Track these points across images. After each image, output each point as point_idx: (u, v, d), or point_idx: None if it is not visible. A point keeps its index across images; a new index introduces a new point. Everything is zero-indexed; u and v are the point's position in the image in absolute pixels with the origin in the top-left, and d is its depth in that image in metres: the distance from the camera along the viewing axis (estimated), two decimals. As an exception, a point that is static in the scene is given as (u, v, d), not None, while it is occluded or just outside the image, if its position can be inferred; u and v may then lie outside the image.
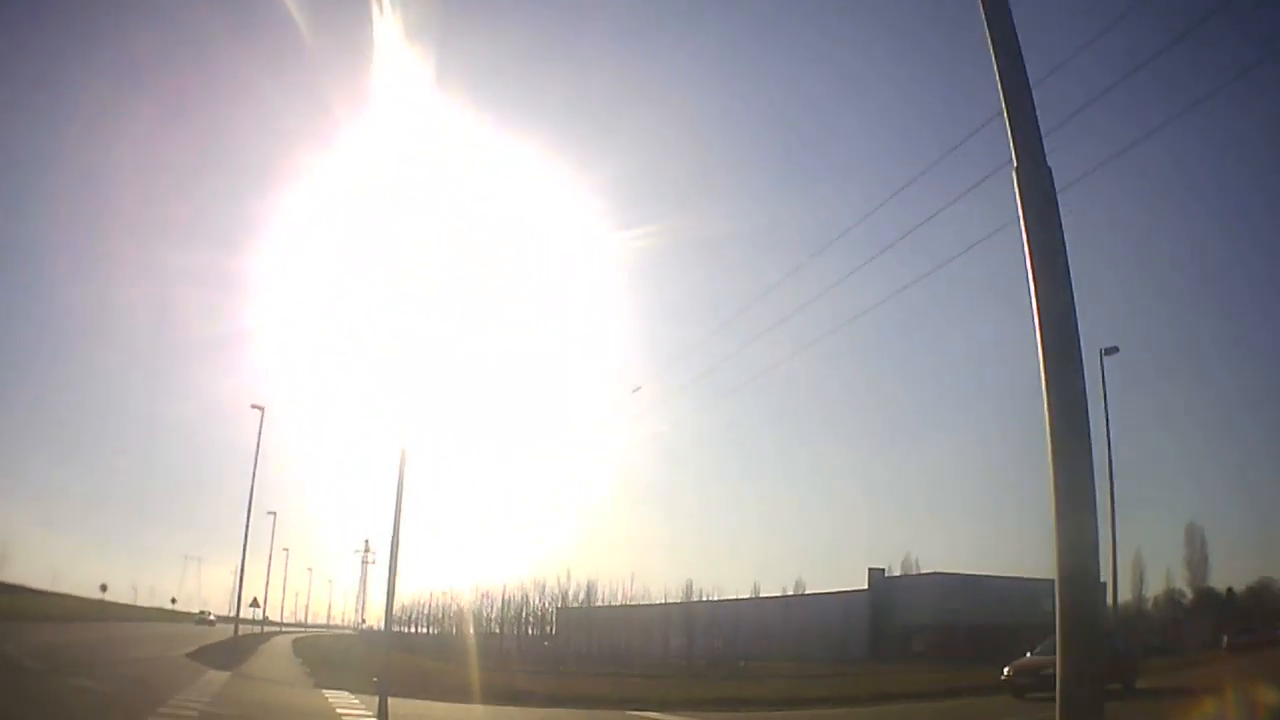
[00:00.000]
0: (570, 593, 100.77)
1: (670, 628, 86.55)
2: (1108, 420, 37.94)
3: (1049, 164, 8.60)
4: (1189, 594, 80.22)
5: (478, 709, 21.90)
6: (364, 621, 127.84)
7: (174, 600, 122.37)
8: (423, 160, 33.54)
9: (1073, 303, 8.32)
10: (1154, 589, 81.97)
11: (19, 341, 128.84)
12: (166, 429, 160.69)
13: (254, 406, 47.66)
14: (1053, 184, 8.64)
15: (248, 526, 46.89)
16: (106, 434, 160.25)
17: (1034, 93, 8.77)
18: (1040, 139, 8.69)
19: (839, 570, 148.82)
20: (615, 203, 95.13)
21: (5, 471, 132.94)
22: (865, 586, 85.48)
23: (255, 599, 74.04)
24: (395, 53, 29.76)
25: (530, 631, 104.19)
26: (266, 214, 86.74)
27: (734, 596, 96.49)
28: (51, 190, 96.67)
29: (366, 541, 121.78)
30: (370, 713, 19.12)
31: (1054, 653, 22.90)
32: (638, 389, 29.55)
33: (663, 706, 24.13)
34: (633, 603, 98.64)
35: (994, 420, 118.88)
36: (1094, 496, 7.97)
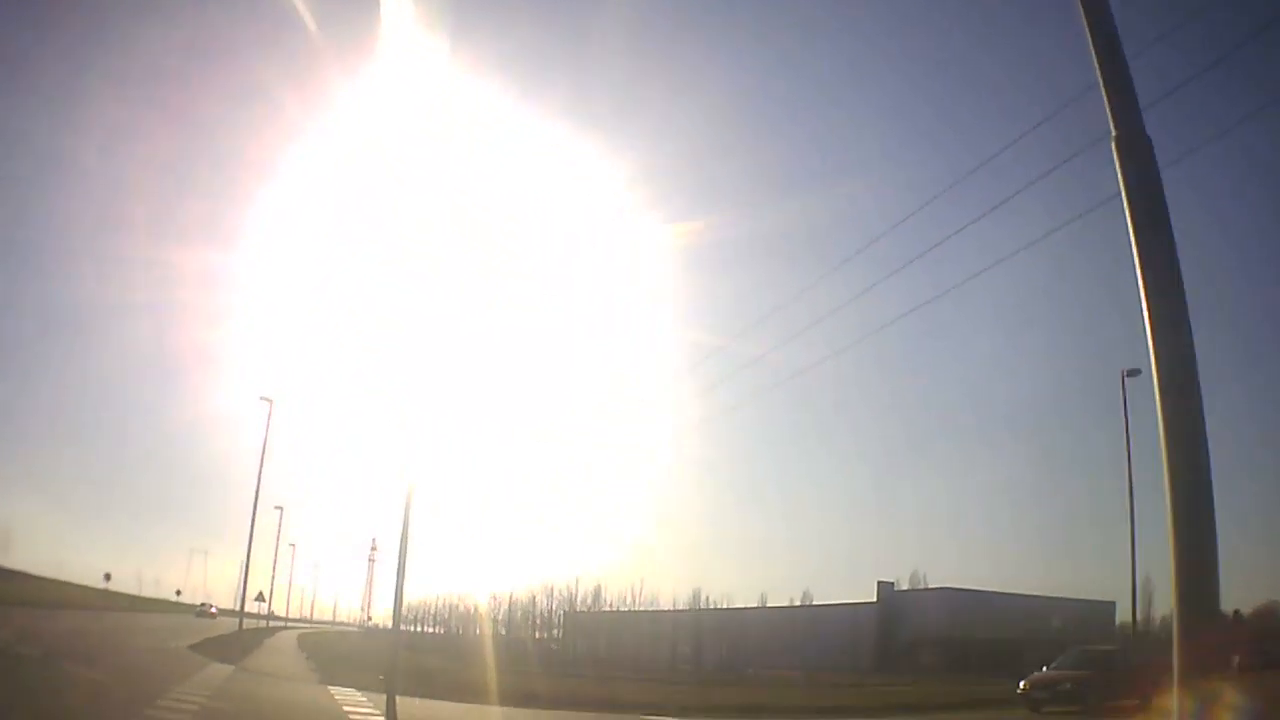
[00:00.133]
0: (578, 596, 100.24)
1: (678, 634, 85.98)
2: (1128, 441, 37.24)
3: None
4: None
5: (489, 710, 21.08)
6: (370, 619, 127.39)
7: (179, 592, 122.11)
8: (449, 146, 32.88)
9: (1179, 276, 7.48)
10: (1161, 610, 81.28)
11: (29, 330, 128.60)
12: (176, 421, 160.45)
13: (263, 399, 47.09)
14: (1153, 153, 7.89)
15: (254, 519, 46.31)
16: (116, 424, 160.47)
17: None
18: (1137, 105, 8.05)
19: (846, 583, 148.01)
20: (659, 195, 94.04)
21: (12, 458, 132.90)
22: (874, 599, 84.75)
23: (261, 593, 73.56)
24: (411, 32, 28.95)
25: (536, 634, 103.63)
26: (278, 202, 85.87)
27: (741, 605, 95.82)
28: (56, 178, 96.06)
29: (374, 540, 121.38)
30: (378, 712, 18.33)
31: (1071, 667, 21.98)
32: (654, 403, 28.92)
33: (680, 712, 23.34)
34: (640, 608, 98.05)
35: (1005, 438, 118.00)
36: (1213, 506, 7.14)
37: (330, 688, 23.49)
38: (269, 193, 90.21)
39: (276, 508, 71.42)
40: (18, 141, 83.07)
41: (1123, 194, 7.69)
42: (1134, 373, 38.40)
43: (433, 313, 28.59)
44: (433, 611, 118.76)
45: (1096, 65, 8.18)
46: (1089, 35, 8.14)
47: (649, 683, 37.19)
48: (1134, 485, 37.12)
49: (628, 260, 79.04)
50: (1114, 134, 7.88)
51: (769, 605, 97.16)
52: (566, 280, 76.07)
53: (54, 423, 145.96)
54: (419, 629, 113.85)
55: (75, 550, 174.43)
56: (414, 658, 34.27)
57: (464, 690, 24.71)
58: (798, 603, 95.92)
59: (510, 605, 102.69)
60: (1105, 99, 8.04)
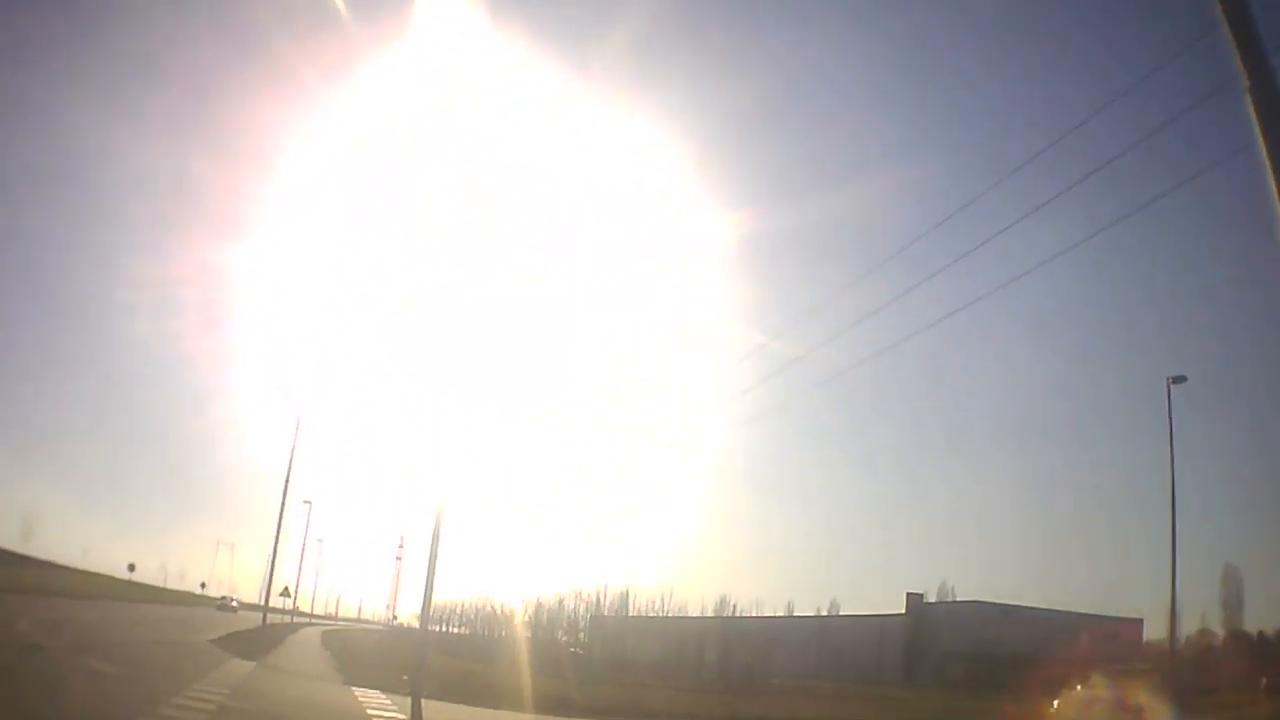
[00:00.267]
0: (605, 602, 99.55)
1: (704, 641, 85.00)
2: (1172, 450, 36.04)
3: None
4: (1220, 634, 78.77)
5: (521, 716, 20.22)
6: (395, 618, 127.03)
7: (203, 585, 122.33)
8: (495, 125, 32.27)
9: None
10: (1188, 628, 79.99)
11: (55, 320, 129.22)
12: (206, 414, 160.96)
13: (295, 392, 47.11)
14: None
15: (282, 512, 45.90)
16: (144, 416, 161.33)
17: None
18: (1267, 53, 7.61)
19: (874, 594, 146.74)
20: (708, 183, 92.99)
21: (39, 447, 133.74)
22: (902, 611, 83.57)
23: (286, 588, 73.10)
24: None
25: (562, 637, 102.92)
26: (310, 192, 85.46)
27: (768, 614, 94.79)
28: (87, 170, 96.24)
29: (401, 538, 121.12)
30: (403, 716, 17.49)
31: (1103, 687, 20.76)
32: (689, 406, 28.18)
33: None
34: (667, 614, 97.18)
35: (1036, 452, 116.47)
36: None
37: (354, 689, 22.75)
38: (301, 182, 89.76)
39: (305, 502, 71.08)
40: (51, 133, 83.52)
41: (1261, 144, 7.02)
42: (1179, 379, 37.12)
43: (469, 306, 27.92)
44: (459, 612, 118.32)
45: (1223, 14, 7.51)
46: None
47: (678, 691, 36.27)
48: (1174, 496, 36.12)
49: (667, 257, 77.97)
50: (1247, 85, 7.44)
51: (795, 614, 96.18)
52: (602, 275, 75.25)
53: (81, 414, 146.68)
54: (445, 629, 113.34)
55: (100, 540, 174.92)
56: (440, 659, 33.42)
57: (491, 695, 23.92)
58: (824, 612, 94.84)
59: (537, 609, 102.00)
60: (1235, 48, 7.48)
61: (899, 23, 78.79)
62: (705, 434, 71.45)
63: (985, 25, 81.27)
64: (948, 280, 22.87)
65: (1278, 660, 66.09)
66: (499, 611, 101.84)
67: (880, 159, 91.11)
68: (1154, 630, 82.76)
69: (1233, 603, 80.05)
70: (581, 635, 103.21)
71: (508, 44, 35.87)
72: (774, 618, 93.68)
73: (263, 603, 55.36)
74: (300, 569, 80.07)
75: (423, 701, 20.60)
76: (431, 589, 25.96)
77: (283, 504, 45.85)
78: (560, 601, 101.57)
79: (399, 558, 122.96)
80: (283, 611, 76.87)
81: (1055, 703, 26.61)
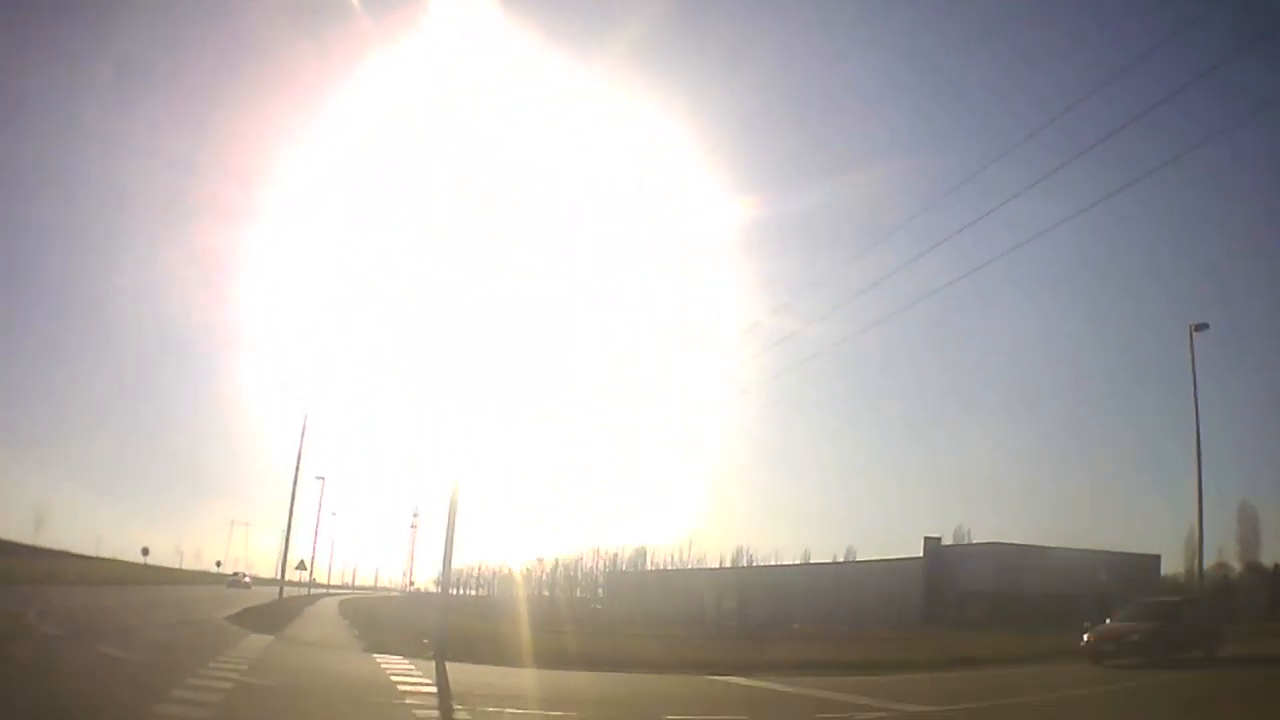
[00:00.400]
0: (623, 559, 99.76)
1: (723, 593, 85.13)
2: (1196, 397, 35.64)
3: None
4: (1237, 568, 79.22)
5: (548, 674, 19.80)
6: (413, 584, 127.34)
7: (219, 564, 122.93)
8: (506, 109, 31.73)
9: None
10: (1206, 563, 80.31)
11: (64, 308, 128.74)
12: (216, 396, 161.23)
13: (306, 371, 46.89)
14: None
15: (295, 488, 45.55)
16: (155, 401, 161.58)
17: None
18: None
19: (889, 541, 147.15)
20: (720, 166, 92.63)
21: (50, 440, 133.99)
22: (919, 555, 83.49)
23: (302, 561, 73.22)
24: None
25: (579, 594, 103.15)
26: (318, 173, 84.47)
27: (784, 563, 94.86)
28: (91, 160, 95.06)
29: (416, 507, 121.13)
30: (429, 680, 17.05)
31: (1136, 619, 20.30)
32: (711, 353, 27.88)
33: (743, 670, 22.01)
34: (684, 567, 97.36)
35: (1046, 395, 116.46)
36: None
37: (375, 656, 22.32)
38: (312, 165, 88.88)
39: (318, 478, 71.06)
40: (53, 121, 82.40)
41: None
42: (1201, 327, 36.76)
43: (481, 275, 27.46)
44: (476, 575, 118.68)
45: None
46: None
47: (700, 641, 36.02)
48: (1199, 441, 35.80)
49: (685, 228, 77.39)
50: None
51: (812, 562, 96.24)
52: (618, 246, 74.83)
53: (91, 403, 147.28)
54: (463, 592, 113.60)
55: (114, 526, 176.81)
56: (460, 622, 33.06)
57: (514, 655, 23.52)
58: (840, 559, 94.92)
59: (555, 568, 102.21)
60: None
61: (905, 11, 78.23)
62: (721, 394, 71.25)
63: (991, 11, 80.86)
64: (966, 240, 22.60)
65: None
66: (515, 573, 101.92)
67: (889, 146, 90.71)
68: (1170, 566, 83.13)
69: (1249, 537, 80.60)
70: (600, 592, 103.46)
71: (517, 33, 35.21)
72: (791, 566, 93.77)
73: (279, 577, 55.13)
74: (315, 542, 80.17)
75: (446, 665, 20.23)
76: (450, 557, 25.58)
77: (295, 480, 45.57)
78: (578, 560, 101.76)
79: (414, 525, 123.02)
80: (300, 584, 76.90)
81: (1086, 636, 26.21)
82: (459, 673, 18.73)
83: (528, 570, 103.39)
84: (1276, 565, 79.27)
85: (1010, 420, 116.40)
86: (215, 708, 11.85)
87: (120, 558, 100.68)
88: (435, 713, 13.26)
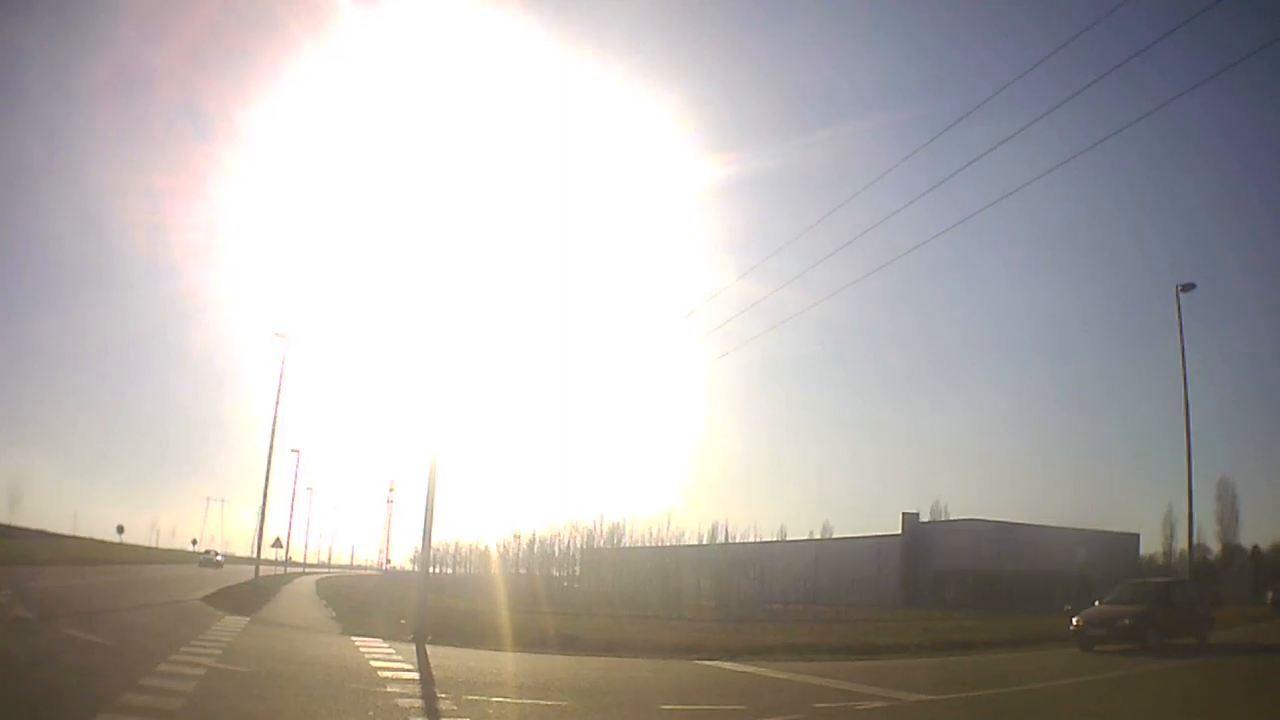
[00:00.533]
0: (601, 535, 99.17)
1: (702, 570, 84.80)
2: (1184, 361, 35.21)
3: None
4: (1215, 549, 79.22)
5: (532, 659, 19.31)
6: (389, 563, 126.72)
7: (194, 542, 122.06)
8: (480, 74, 31.08)
9: None
10: (1183, 544, 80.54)
11: (34, 285, 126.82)
12: (189, 370, 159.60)
13: (277, 335, 46.24)
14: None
15: (270, 460, 44.82)
16: (127, 376, 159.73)
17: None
18: None
19: (865, 515, 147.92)
20: (694, 127, 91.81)
21: (23, 416, 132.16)
22: (897, 531, 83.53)
23: (278, 539, 72.44)
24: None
25: (555, 572, 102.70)
26: (290, 140, 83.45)
27: (761, 539, 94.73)
28: (64, 123, 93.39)
29: (391, 482, 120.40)
30: (409, 666, 16.54)
31: (1126, 602, 19.76)
32: (691, 313, 27.46)
33: (730, 655, 21.62)
34: (661, 544, 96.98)
35: (1026, 372, 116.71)
36: None
37: (354, 639, 21.81)
38: (281, 129, 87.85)
39: (293, 451, 70.10)
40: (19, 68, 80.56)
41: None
42: (1188, 287, 35.92)
43: (455, 247, 26.99)
44: (452, 553, 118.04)
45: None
46: None
47: (682, 623, 35.64)
48: (1187, 408, 35.36)
49: (655, 193, 76.92)
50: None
51: (789, 539, 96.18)
52: (591, 213, 74.25)
53: (63, 378, 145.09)
54: (439, 570, 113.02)
55: (89, 504, 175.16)
56: (438, 601, 32.53)
57: (495, 637, 23.07)
58: (817, 535, 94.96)
59: (531, 544, 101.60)
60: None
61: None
62: (695, 364, 70.82)
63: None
64: (939, 199, 22.23)
65: (1277, 573, 66.50)
66: (492, 550, 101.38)
67: (863, 102, 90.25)
68: (1149, 545, 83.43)
69: (1228, 516, 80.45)
70: (576, 569, 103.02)
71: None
72: (770, 543, 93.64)
73: (255, 556, 54.39)
74: (291, 519, 79.61)
75: (427, 649, 19.75)
76: (430, 537, 25.08)
77: (270, 450, 44.68)
78: (555, 536, 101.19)
79: (389, 500, 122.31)
80: (275, 563, 76.27)
81: (1074, 620, 25.78)
82: (440, 657, 18.25)
83: (504, 547, 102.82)
84: (1255, 547, 79.25)
85: (990, 394, 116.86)
86: (187, 697, 11.31)
87: (95, 536, 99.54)
88: (419, 701, 12.76)
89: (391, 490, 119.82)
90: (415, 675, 15.34)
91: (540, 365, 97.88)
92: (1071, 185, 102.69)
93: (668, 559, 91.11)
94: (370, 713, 11.50)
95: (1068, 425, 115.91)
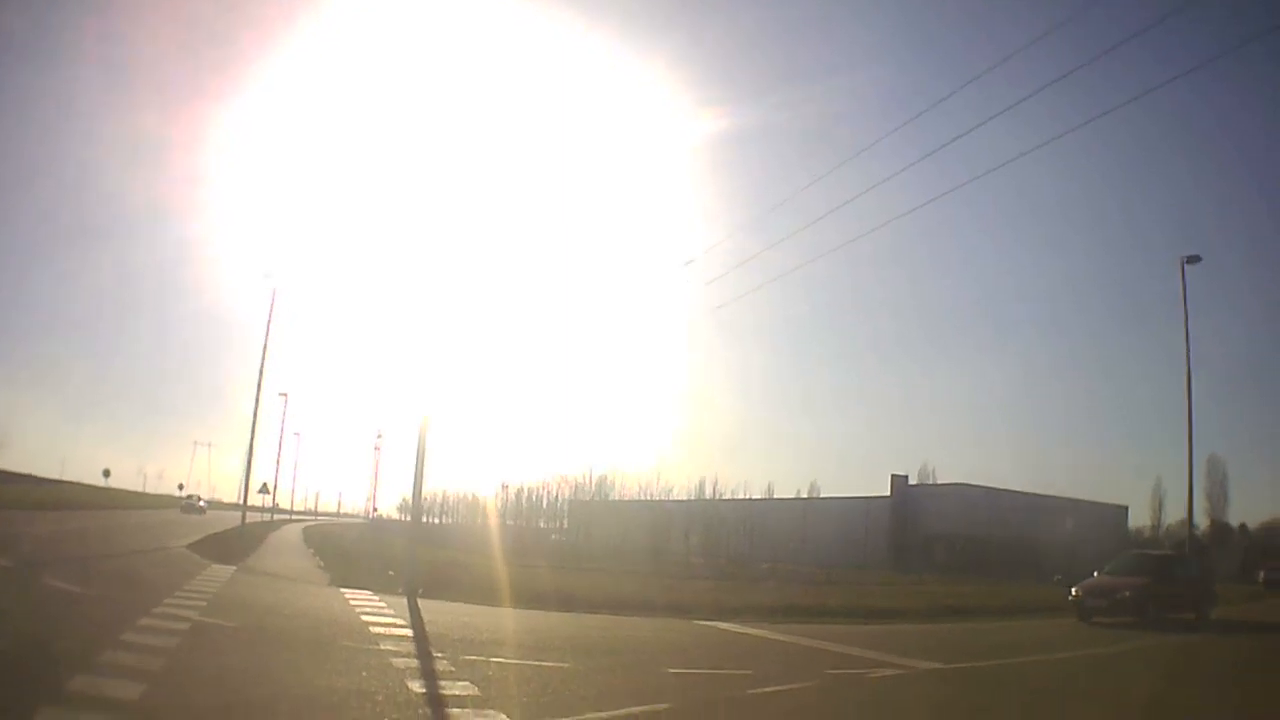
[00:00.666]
0: (588, 486, 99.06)
1: (690, 524, 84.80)
2: (1187, 332, 34.71)
3: None
4: (1203, 525, 79.28)
5: (527, 615, 18.84)
6: (376, 511, 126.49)
7: (181, 487, 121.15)
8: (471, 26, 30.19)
9: None
10: (1172, 518, 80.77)
11: (23, 230, 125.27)
12: (178, 313, 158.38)
13: (265, 276, 45.43)
14: None
15: (258, 402, 44.15)
16: (116, 317, 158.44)
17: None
18: None
19: (852, 476, 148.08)
20: (681, 82, 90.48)
21: (14, 359, 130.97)
22: (887, 493, 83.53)
23: (265, 485, 71.65)
24: None
25: (542, 524, 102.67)
26: (281, 90, 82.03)
27: (749, 496, 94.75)
28: (59, 83, 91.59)
29: (379, 431, 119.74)
30: (401, 620, 16.00)
31: (1126, 573, 19.15)
32: (690, 261, 26.84)
33: (728, 615, 21.20)
34: (650, 498, 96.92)
35: (1018, 341, 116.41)
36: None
37: (343, 590, 21.30)
38: (273, 80, 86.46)
39: (280, 394, 69.26)
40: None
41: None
42: (1194, 259, 35.21)
43: (448, 196, 26.35)
44: (440, 502, 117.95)
45: None
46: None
47: (675, 580, 35.33)
48: (1189, 380, 34.89)
49: (644, 151, 75.79)
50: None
51: (776, 496, 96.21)
52: (580, 170, 73.31)
53: (52, 323, 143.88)
54: (427, 519, 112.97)
55: (77, 448, 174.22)
56: (426, 552, 32.05)
57: (488, 592, 22.57)
58: (804, 494, 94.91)
59: (520, 496, 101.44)
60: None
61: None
62: (688, 318, 70.28)
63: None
64: (934, 165, 21.69)
65: (1266, 552, 66.32)
66: (480, 501, 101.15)
67: (859, 57, 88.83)
68: (1137, 518, 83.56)
69: (1217, 493, 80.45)
70: (563, 521, 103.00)
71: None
72: (758, 500, 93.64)
73: (242, 502, 53.81)
74: (278, 464, 78.74)
75: (419, 603, 19.25)
76: (420, 487, 24.56)
77: (258, 392, 44.01)
78: (543, 487, 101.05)
79: (377, 448, 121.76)
80: (262, 509, 75.70)
81: (1072, 590, 25.42)
82: (433, 612, 17.73)
83: (493, 499, 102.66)
84: (1243, 525, 79.23)
85: (979, 358, 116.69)
86: (169, 655, 10.70)
87: (81, 480, 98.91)
88: (414, 661, 12.18)
89: (379, 439, 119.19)
90: (409, 632, 14.79)
91: (532, 316, 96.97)
92: (1069, 157, 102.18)
93: (657, 513, 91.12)
94: (364, 673, 10.91)
95: (1058, 395, 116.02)
